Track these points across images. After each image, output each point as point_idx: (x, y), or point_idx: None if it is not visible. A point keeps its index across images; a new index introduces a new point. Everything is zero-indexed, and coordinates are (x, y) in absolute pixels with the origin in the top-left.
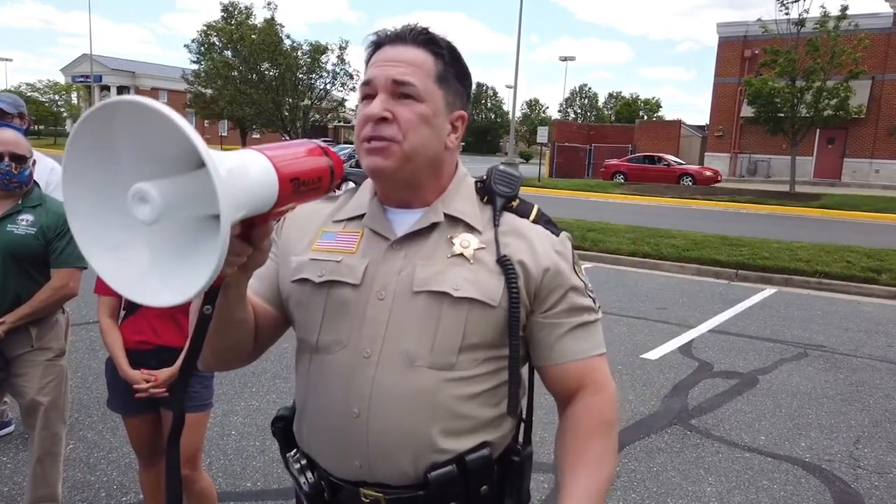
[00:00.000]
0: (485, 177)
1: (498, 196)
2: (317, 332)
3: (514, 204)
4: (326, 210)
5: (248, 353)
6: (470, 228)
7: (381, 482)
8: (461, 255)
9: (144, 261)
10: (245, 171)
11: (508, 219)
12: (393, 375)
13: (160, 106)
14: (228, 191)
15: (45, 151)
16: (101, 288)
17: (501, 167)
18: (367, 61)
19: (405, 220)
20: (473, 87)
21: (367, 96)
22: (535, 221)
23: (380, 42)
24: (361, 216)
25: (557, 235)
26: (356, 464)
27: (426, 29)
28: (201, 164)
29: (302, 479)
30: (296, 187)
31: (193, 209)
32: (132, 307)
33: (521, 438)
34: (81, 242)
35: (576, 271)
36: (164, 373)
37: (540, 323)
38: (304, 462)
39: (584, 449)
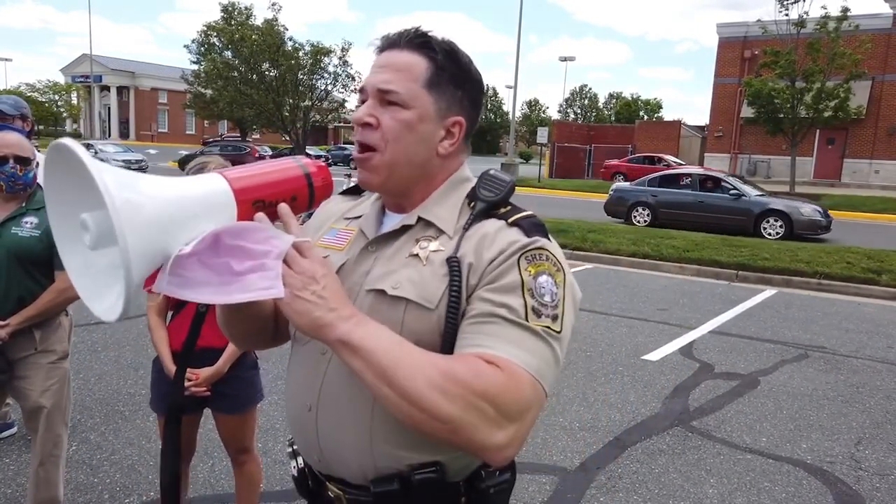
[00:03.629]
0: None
1: (479, 201)
2: None
3: (502, 210)
4: (344, 208)
5: (270, 339)
6: (440, 232)
7: (341, 478)
8: (416, 255)
9: (100, 274)
10: (178, 198)
11: (483, 223)
12: (339, 374)
13: (69, 143)
14: (133, 219)
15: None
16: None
17: (491, 172)
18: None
19: (392, 223)
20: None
21: (362, 102)
22: (512, 224)
23: (381, 47)
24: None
25: (529, 237)
26: (315, 457)
27: (424, 32)
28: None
29: (292, 464)
30: (259, 209)
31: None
32: (178, 308)
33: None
34: (64, 258)
35: (519, 266)
36: (205, 372)
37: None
38: (295, 447)
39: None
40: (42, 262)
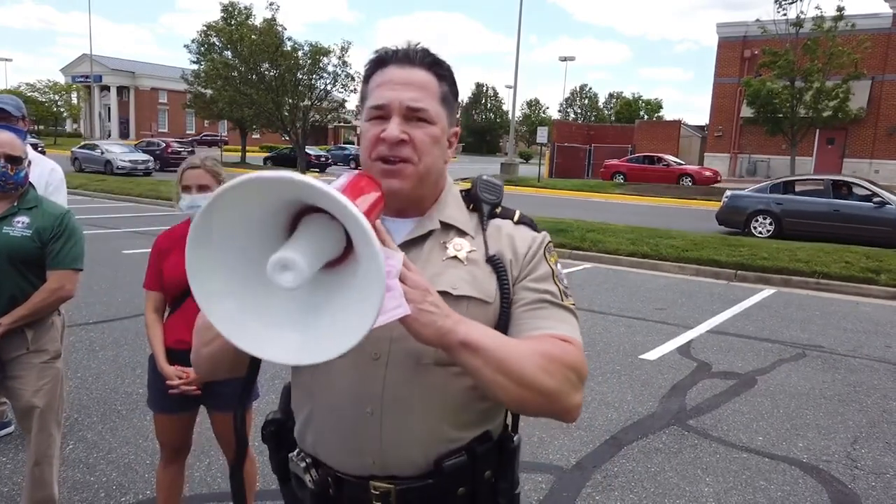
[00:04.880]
0: (469, 186)
1: (484, 203)
2: None
3: (498, 210)
4: None
5: (238, 367)
6: (461, 233)
7: (392, 474)
8: (455, 257)
9: (295, 324)
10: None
11: (495, 223)
12: (403, 374)
13: (288, 175)
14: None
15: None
16: (149, 283)
17: (485, 177)
18: (369, 77)
19: (401, 228)
20: (473, 87)
21: (379, 118)
22: (517, 223)
23: (385, 60)
24: None
25: (538, 232)
26: (369, 460)
27: (429, 50)
28: (298, 217)
29: (307, 477)
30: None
31: (319, 264)
32: (175, 306)
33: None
34: (234, 336)
35: (546, 258)
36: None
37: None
38: (308, 461)
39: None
40: (34, 261)
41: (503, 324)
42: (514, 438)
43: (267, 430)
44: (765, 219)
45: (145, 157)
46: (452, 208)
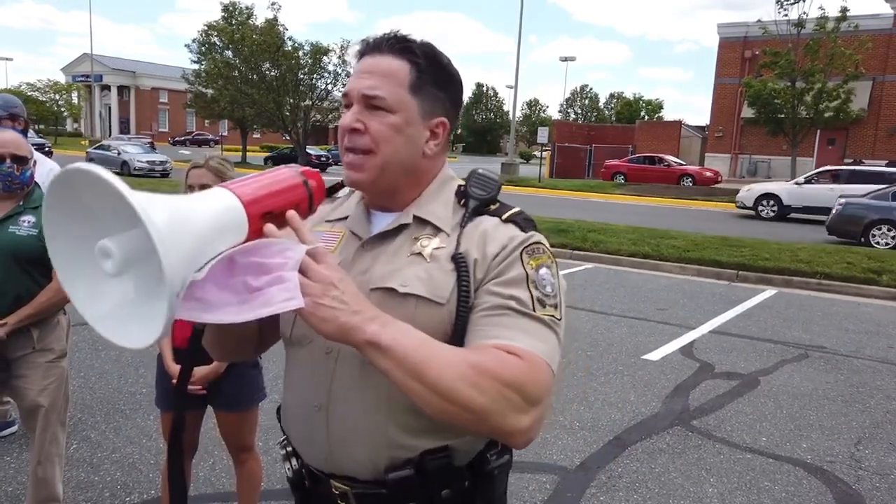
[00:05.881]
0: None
1: (472, 199)
2: (290, 325)
3: (493, 207)
4: (324, 211)
5: (253, 349)
6: (437, 230)
7: (348, 475)
8: (419, 253)
9: (118, 305)
10: (199, 215)
11: (478, 220)
12: (350, 371)
13: (93, 168)
14: (172, 240)
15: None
16: None
17: (480, 171)
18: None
19: (382, 223)
20: (473, 87)
21: (347, 106)
22: (505, 221)
23: (362, 51)
24: (347, 218)
25: (525, 232)
26: (322, 456)
27: (404, 36)
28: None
29: (287, 465)
30: (268, 221)
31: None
32: None
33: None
34: (71, 293)
35: (522, 261)
36: (200, 371)
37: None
38: (289, 449)
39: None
40: (40, 260)
41: (461, 328)
42: (493, 460)
43: (280, 414)
44: (888, 229)
45: (163, 157)
46: (435, 203)
